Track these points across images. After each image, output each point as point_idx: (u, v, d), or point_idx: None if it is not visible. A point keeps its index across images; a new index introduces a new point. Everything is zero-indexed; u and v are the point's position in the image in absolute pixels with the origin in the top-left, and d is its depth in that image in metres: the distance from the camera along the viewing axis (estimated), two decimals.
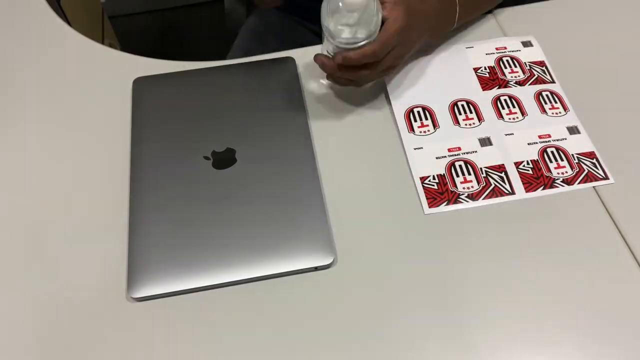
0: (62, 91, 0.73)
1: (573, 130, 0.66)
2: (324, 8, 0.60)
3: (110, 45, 1.25)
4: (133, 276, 0.56)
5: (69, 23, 0.82)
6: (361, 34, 0.59)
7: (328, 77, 0.67)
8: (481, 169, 0.63)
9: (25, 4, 0.83)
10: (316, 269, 0.57)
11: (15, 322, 0.55)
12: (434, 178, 0.63)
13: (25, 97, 0.72)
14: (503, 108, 0.68)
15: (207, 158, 0.64)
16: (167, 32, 1.95)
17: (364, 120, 0.68)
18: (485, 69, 0.72)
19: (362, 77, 0.64)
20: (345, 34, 0.60)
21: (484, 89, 0.70)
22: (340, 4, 0.58)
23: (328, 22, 0.60)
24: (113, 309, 0.56)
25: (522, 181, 0.62)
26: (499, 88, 0.70)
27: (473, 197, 0.61)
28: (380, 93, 0.71)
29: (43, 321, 0.55)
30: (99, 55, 0.77)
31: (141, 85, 0.71)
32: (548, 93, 0.69)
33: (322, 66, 0.64)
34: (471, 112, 0.68)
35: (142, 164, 0.64)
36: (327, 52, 0.64)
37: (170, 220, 0.59)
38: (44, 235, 0.60)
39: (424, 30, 0.66)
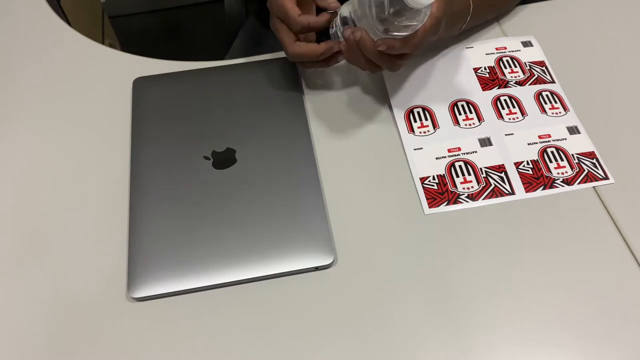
0: (62, 91, 0.73)
1: (573, 130, 0.66)
2: None
3: (110, 45, 1.25)
4: (133, 276, 0.56)
5: (69, 23, 0.82)
6: (414, 25, 0.55)
7: (347, 56, 0.62)
8: (481, 169, 0.63)
9: (25, 4, 0.83)
10: (316, 269, 0.57)
11: (15, 322, 0.55)
12: (433, 178, 0.63)
13: (25, 97, 0.72)
14: (503, 108, 0.68)
15: (207, 158, 0.64)
16: (167, 32, 1.95)
17: (363, 121, 0.68)
18: (485, 69, 0.72)
19: (394, 65, 0.61)
20: (402, 25, 0.55)
21: (483, 89, 0.70)
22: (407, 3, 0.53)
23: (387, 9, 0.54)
24: (113, 309, 0.56)
25: (522, 181, 0.62)
26: (499, 88, 0.70)
27: (473, 197, 0.61)
28: (380, 94, 0.71)
29: (43, 321, 0.55)
30: (99, 55, 0.77)
31: (141, 85, 0.71)
32: (548, 93, 0.69)
33: (361, 43, 0.58)
34: (471, 113, 0.68)
35: (142, 164, 0.64)
36: (338, 29, 0.60)
37: (170, 220, 0.59)
38: (44, 235, 0.60)
39: (442, 30, 0.64)
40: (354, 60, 0.62)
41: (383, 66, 0.61)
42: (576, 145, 0.65)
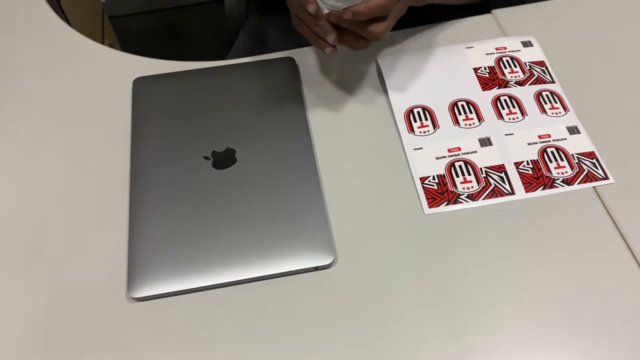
0: (62, 91, 0.73)
1: (573, 130, 0.66)
2: None
3: (110, 45, 1.25)
4: (133, 276, 0.56)
5: (69, 23, 0.82)
6: None
7: (343, 39, 0.62)
8: (481, 169, 0.63)
9: (25, 4, 0.83)
10: (316, 269, 0.57)
11: (14, 322, 0.55)
12: (433, 178, 0.63)
13: (25, 97, 0.72)
14: (503, 108, 0.68)
15: (207, 158, 0.64)
16: (167, 32, 1.95)
17: (363, 121, 0.68)
18: (485, 69, 0.72)
19: (372, 33, 0.60)
20: None
21: (484, 89, 0.70)
22: None
23: None
24: (113, 309, 0.56)
25: (522, 181, 0.62)
26: (499, 88, 0.70)
27: (473, 197, 0.61)
28: (380, 93, 0.71)
29: (43, 321, 0.55)
30: (99, 55, 0.77)
31: (141, 85, 0.71)
32: (548, 93, 0.69)
33: (332, 20, 0.59)
34: (471, 112, 0.68)
35: (142, 164, 0.64)
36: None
37: (170, 220, 0.59)
38: (44, 235, 0.60)
39: None
40: (341, 41, 0.62)
41: (365, 35, 0.60)
42: (576, 145, 0.65)
